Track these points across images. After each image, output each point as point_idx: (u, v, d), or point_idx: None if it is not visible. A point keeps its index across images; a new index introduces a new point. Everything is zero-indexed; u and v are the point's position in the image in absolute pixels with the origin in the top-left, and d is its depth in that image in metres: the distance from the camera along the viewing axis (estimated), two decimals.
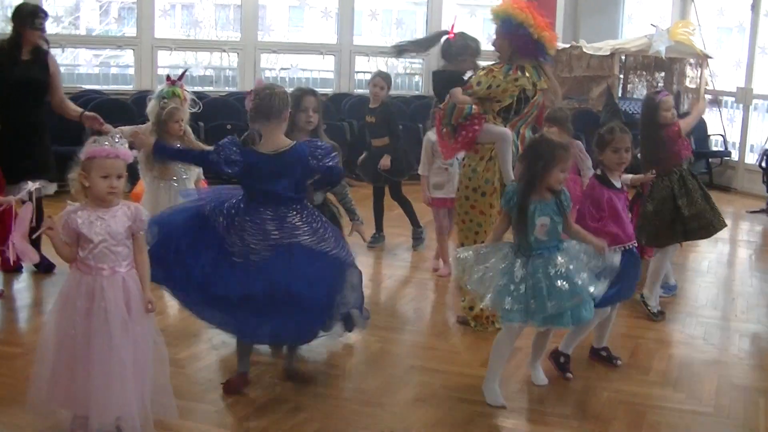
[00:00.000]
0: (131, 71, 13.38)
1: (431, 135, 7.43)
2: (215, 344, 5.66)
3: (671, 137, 6.51)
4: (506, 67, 6.04)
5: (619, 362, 5.62)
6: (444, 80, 6.46)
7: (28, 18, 6.86)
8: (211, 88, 13.00)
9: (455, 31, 6.59)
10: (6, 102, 6.80)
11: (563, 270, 4.71)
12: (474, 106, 5.99)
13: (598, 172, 5.45)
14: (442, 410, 4.86)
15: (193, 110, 7.35)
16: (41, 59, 6.99)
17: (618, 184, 5.40)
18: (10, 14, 7.04)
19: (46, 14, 7.02)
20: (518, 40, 5.99)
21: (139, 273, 4.22)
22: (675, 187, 6.52)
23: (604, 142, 5.36)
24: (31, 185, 5.69)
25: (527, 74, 6.04)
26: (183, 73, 7.74)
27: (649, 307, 6.61)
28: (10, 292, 6.72)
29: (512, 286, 4.70)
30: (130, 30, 14.86)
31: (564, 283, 4.67)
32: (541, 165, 4.72)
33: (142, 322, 4.17)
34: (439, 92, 6.55)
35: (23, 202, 5.77)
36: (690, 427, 4.82)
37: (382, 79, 8.66)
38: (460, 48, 6.56)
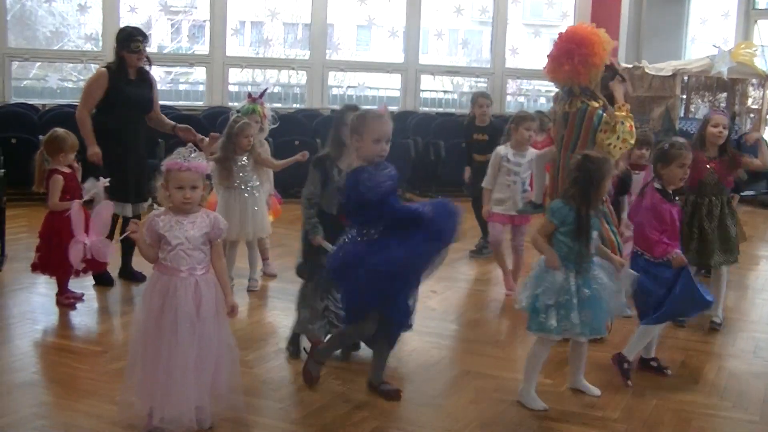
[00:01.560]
0: (200, 87, 13.78)
1: (500, 149, 7.62)
2: (282, 347, 5.93)
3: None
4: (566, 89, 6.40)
5: (669, 372, 5.79)
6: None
7: (125, 42, 7.27)
8: (279, 105, 13.33)
9: None
10: (115, 116, 7.24)
11: (605, 282, 5.04)
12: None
13: (658, 185, 5.61)
14: (494, 412, 5.07)
15: (273, 126, 7.73)
16: (145, 77, 7.44)
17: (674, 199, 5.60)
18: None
19: (144, 37, 7.39)
20: None
21: (218, 278, 4.53)
22: (688, 209, 6.64)
23: (670, 157, 5.53)
24: (100, 182, 6.11)
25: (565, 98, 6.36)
26: (264, 91, 8.09)
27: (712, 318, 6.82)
28: (91, 297, 7.08)
29: (562, 301, 4.95)
30: (200, 48, 15.28)
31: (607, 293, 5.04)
32: (595, 181, 4.98)
33: (211, 324, 4.44)
34: None
35: (89, 201, 6.19)
36: None
37: (486, 98, 9.08)
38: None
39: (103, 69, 7.33)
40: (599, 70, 6.17)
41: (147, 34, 7.55)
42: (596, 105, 6.18)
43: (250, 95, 7.85)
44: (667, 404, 5.32)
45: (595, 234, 5.05)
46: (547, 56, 6.29)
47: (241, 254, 7.51)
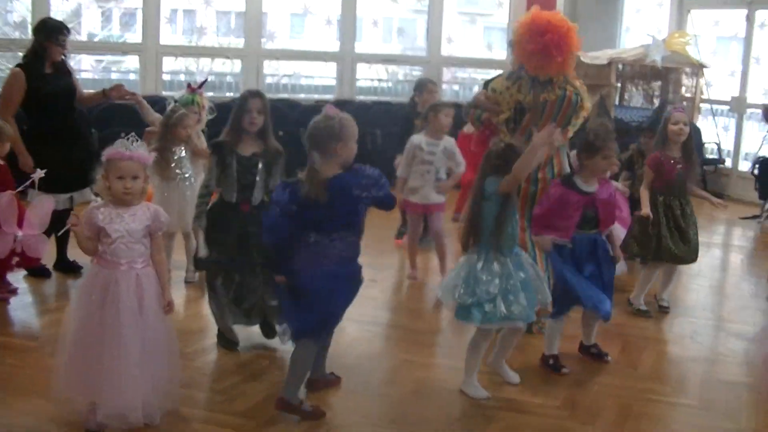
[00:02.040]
0: (131, 76, 13.57)
1: (415, 138, 7.49)
2: None
3: (650, 166, 6.81)
4: (512, 75, 6.25)
5: (608, 358, 5.84)
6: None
7: (54, 34, 7.06)
8: (212, 94, 13.06)
9: None
10: (41, 113, 7.04)
11: (529, 266, 5.12)
12: (485, 113, 6.24)
13: (568, 176, 5.67)
14: (437, 401, 5.08)
15: (211, 117, 7.62)
16: (61, 67, 7.23)
17: (590, 189, 5.52)
18: (31, 25, 7.23)
19: (69, 31, 7.22)
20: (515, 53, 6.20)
21: (158, 272, 4.47)
22: (656, 211, 6.77)
23: (594, 149, 5.47)
24: (36, 174, 5.94)
25: (525, 86, 6.15)
26: (204, 82, 8.00)
27: (633, 306, 6.98)
28: (25, 290, 6.95)
29: (494, 290, 4.94)
30: (131, 36, 15.06)
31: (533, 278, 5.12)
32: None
33: (153, 317, 4.40)
34: None
35: (23, 193, 6.02)
36: (674, 418, 5.06)
37: (435, 84, 9.20)
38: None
39: (17, 69, 7.07)
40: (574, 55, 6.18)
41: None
42: (572, 90, 6.19)
43: (189, 85, 7.75)
44: (608, 390, 5.38)
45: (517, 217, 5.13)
46: (528, 51, 6.03)
47: (178, 246, 7.41)
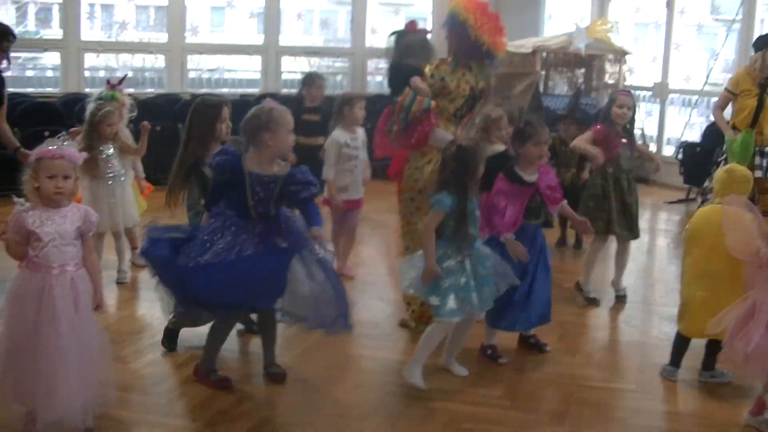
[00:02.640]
0: (49, 73, 13.31)
1: (338, 135, 7.27)
2: (158, 340, 5.75)
3: (597, 137, 6.82)
4: (453, 62, 6.10)
5: (547, 348, 5.88)
6: (405, 74, 6.22)
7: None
8: (133, 90, 12.84)
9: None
10: None
11: (495, 259, 5.16)
12: (433, 102, 6.02)
13: (509, 168, 5.61)
14: (381, 395, 5.07)
15: (132, 114, 7.48)
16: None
17: (530, 179, 5.56)
18: None
19: (15, 37, 6.97)
20: (460, 38, 6.12)
21: (89, 273, 4.38)
22: (606, 184, 6.83)
23: (525, 136, 5.50)
24: None
25: (473, 72, 6.08)
26: (123, 78, 7.87)
27: (583, 292, 7.03)
28: None
29: (459, 284, 4.99)
30: (49, 32, 14.76)
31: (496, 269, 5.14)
32: (471, 167, 5.02)
33: (89, 320, 4.33)
34: (397, 86, 6.30)
35: None
36: (614, 403, 5.12)
37: (322, 78, 9.14)
38: (423, 42, 6.52)
39: None
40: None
41: None
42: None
43: (108, 81, 7.62)
44: (548, 378, 5.43)
45: (477, 213, 5.13)
46: (492, 29, 6.00)
47: (108, 246, 7.28)
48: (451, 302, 4.97)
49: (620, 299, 7.07)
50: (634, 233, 7.00)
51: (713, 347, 5.37)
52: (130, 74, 13.24)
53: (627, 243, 7.07)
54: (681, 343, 5.50)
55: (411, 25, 6.73)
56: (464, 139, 5.43)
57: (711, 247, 5.16)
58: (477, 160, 5.06)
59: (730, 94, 8.49)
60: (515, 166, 5.57)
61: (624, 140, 6.84)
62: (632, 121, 6.94)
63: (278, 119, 4.75)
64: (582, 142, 6.86)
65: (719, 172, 5.42)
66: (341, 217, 7.50)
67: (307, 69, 15.07)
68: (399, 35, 6.61)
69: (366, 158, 7.48)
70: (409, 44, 6.48)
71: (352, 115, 7.29)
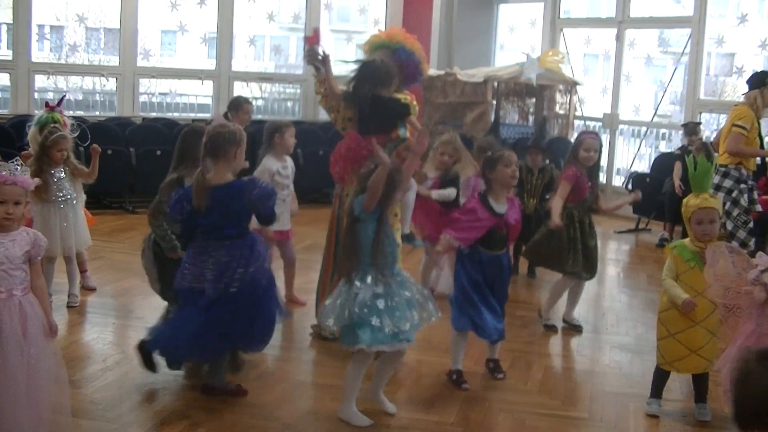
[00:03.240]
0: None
1: (269, 164, 7.04)
2: (109, 365, 5.73)
3: (571, 182, 6.85)
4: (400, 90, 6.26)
5: (500, 376, 5.90)
6: (396, 110, 6.20)
7: None
8: (81, 113, 12.66)
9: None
10: None
11: (412, 285, 5.11)
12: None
13: (483, 193, 5.68)
14: (333, 422, 5.04)
15: (74, 135, 7.39)
16: None
17: (500, 210, 5.61)
18: None
19: None
20: (408, 67, 6.18)
21: (38, 297, 4.33)
22: (572, 226, 6.88)
23: (494, 160, 5.58)
24: None
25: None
26: (62, 99, 7.78)
27: (542, 319, 7.18)
28: None
29: (393, 304, 4.90)
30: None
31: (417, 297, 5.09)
32: (391, 189, 4.97)
33: (38, 344, 4.26)
34: (389, 123, 6.21)
35: None
36: (566, 431, 5.14)
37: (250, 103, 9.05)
38: (388, 69, 6.20)
39: None
40: None
41: None
42: None
43: (47, 104, 7.53)
44: (500, 406, 5.44)
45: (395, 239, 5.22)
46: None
47: (59, 270, 7.20)
48: (374, 323, 4.80)
49: (577, 329, 7.12)
50: (592, 273, 7.12)
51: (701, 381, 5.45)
52: (79, 96, 13.16)
53: (583, 282, 7.16)
54: (661, 376, 5.52)
55: (314, 36, 6.69)
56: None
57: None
58: (395, 184, 5.00)
59: (745, 131, 8.45)
60: (488, 194, 5.62)
61: (589, 184, 6.90)
62: (597, 164, 7.02)
63: (243, 137, 5.00)
64: (557, 202, 6.84)
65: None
66: (271, 249, 7.06)
67: (258, 95, 15.07)
68: (363, 64, 6.31)
69: (292, 190, 7.34)
70: (377, 72, 6.18)
71: (284, 142, 7.09)
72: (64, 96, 8.47)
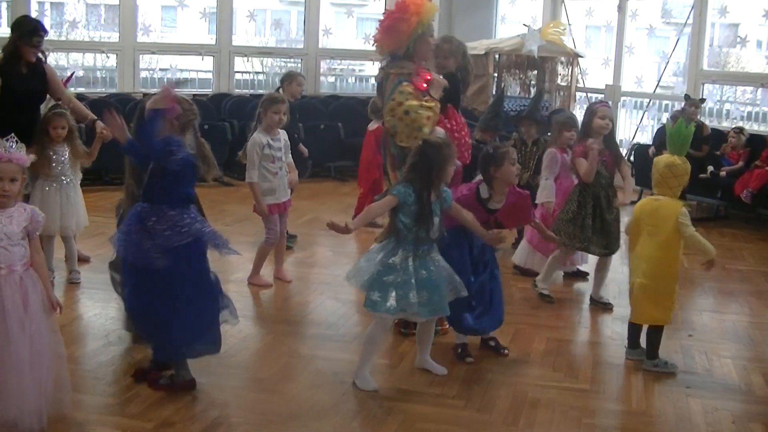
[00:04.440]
0: None
1: (259, 137, 7.00)
2: (111, 341, 5.74)
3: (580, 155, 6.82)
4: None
5: (506, 352, 5.88)
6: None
7: (27, 35, 6.75)
8: (82, 90, 12.63)
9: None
10: (10, 111, 6.67)
11: (442, 264, 5.14)
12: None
13: (481, 191, 5.60)
14: (334, 395, 5.06)
15: None
16: (39, 70, 6.91)
17: (496, 206, 5.61)
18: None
19: (46, 32, 6.89)
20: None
21: (38, 273, 4.34)
22: (584, 201, 6.86)
23: (500, 158, 5.51)
24: None
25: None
26: (70, 76, 7.76)
27: (538, 288, 7.16)
28: None
29: (401, 281, 4.96)
30: None
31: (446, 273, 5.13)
32: (436, 166, 4.99)
33: (39, 320, 4.28)
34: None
35: None
36: (569, 403, 5.13)
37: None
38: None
39: None
40: (404, 35, 5.98)
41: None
42: (394, 72, 6.05)
43: None
44: (502, 378, 5.45)
45: (436, 220, 5.08)
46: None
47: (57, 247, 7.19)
48: (392, 300, 4.94)
49: (607, 306, 7.05)
50: (611, 249, 7.02)
51: (654, 335, 5.65)
52: (80, 73, 13.11)
53: (606, 258, 7.10)
54: (632, 329, 5.77)
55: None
56: (432, 136, 5.45)
57: (647, 235, 5.55)
58: (442, 157, 5.03)
59: None
60: (486, 191, 5.60)
61: (604, 158, 6.80)
62: (612, 132, 6.93)
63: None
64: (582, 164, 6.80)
65: (660, 165, 5.48)
66: (275, 223, 7.22)
67: (259, 69, 15.04)
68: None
69: (291, 161, 7.33)
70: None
71: (267, 118, 7.01)
72: (73, 73, 8.45)
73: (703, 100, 11.66)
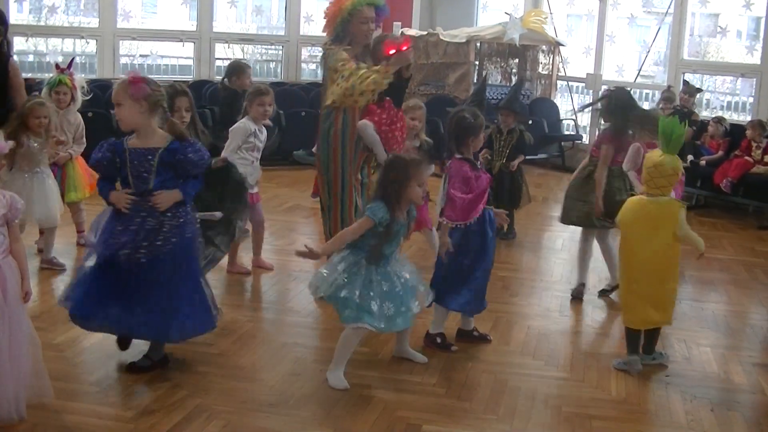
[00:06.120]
0: None
1: (248, 124, 6.88)
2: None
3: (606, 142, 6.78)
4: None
5: (490, 337, 5.92)
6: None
7: None
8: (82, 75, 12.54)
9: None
10: None
11: (406, 274, 5.12)
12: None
13: (462, 156, 5.57)
14: (316, 383, 5.06)
15: (87, 98, 7.37)
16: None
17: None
18: None
19: (7, 27, 6.81)
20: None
21: (17, 261, 4.30)
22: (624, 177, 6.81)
23: (475, 127, 5.55)
24: None
25: None
26: (71, 61, 7.70)
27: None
28: None
29: (356, 293, 4.90)
30: None
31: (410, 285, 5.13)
32: (400, 183, 4.94)
33: (18, 308, 4.24)
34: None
35: None
36: (549, 391, 5.15)
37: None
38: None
39: None
40: (332, 20, 6.55)
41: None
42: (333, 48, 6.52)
43: (57, 66, 7.49)
44: (483, 366, 5.46)
45: (402, 240, 5.20)
46: None
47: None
48: (352, 310, 4.90)
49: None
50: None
51: (652, 332, 5.60)
52: (59, 59, 13.02)
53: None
54: (631, 335, 5.57)
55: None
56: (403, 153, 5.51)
57: (646, 236, 5.35)
58: (408, 174, 4.94)
59: None
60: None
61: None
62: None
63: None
64: (602, 170, 6.71)
65: (648, 163, 5.40)
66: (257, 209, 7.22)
67: (240, 56, 14.98)
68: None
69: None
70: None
71: (252, 110, 6.92)
72: (74, 58, 8.34)
73: (699, 90, 11.68)
